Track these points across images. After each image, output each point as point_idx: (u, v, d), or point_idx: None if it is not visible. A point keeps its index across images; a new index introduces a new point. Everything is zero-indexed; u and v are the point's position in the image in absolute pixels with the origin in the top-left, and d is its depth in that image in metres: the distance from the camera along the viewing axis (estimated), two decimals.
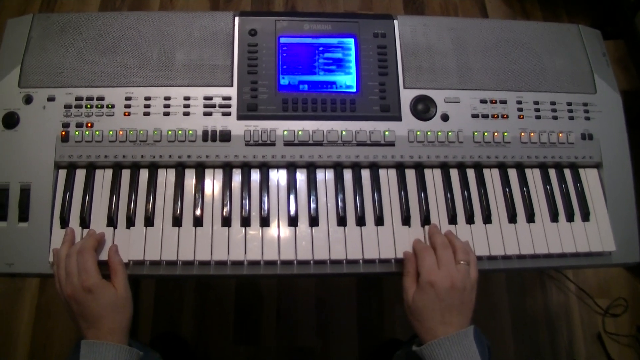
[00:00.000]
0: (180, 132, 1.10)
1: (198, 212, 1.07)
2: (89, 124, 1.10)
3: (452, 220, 1.12)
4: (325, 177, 1.12)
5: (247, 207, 1.08)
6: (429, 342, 0.94)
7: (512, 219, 1.13)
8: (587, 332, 1.98)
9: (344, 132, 1.12)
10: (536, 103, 1.19)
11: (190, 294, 1.93)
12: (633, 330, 1.98)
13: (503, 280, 2.04)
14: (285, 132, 1.11)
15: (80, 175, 1.10)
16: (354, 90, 1.16)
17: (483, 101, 1.18)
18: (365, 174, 1.13)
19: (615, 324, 1.99)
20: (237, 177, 1.11)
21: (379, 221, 1.09)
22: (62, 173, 1.09)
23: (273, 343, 1.89)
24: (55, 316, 1.86)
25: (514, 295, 2.02)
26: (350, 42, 1.18)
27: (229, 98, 1.13)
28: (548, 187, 1.16)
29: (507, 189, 1.15)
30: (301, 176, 1.12)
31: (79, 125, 1.09)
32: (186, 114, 1.11)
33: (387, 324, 1.95)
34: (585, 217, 1.15)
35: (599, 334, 1.97)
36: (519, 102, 1.18)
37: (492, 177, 1.16)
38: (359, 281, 2.00)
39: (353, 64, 1.17)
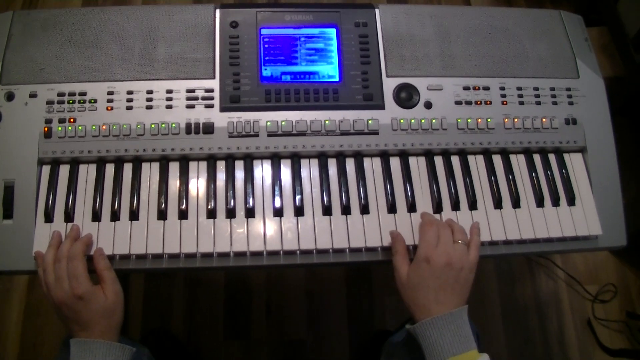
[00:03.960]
0: (163, 125, 1.09)
1: (183, 204, 1.07)
2: (72, 120, 1.09)
3: (438, 207, 1.12)
4: (309, 167, 1.12)
5: (232, 199, 1.07)
6: (422, 320, 0.93)
7: (498, 204, 1.13)
8: (577, 318, 1.99)
9: (327, 122, 1.12)
10: (519, 89, 1.19)
11: (180, 290, 1.92)
12: (622, 315, 1.99)
13: (492, 268, 2.04)
14: (269, 123, 1.11)
15: (64, 170, 1.09)
16: (337, 79, 1.15)
17: (466, 88, 1.18)
18: (350, 163, 1.13)
19: (604, 310, 2.00)
20: (221, 169, 1.10)
21: (365, 210, 1.09)
22: (46, 169, 1.08)
23: (264, 337, 1.89)
24: (45, 315, 1.85)
25: (503, 283, 2.02)
26: (332, 32, 1.18)
27: (212, 90, 1.13)
28: (533, 172, 1.17)
29: (492, 175, 1.15)
30: (285, 166, 1.12)
31: (61, 120, 1.09)
32: (169, 107, 1.11)
33: (377, 315, 1.95)
34: (571, 201, 1.15)
35: (589, 319, 1.98)
36: (502, 88, 1.19)
37: (476, 163, 1.17)
38: (348, 273, 2.00)
39: (335, 54, 1.17)
